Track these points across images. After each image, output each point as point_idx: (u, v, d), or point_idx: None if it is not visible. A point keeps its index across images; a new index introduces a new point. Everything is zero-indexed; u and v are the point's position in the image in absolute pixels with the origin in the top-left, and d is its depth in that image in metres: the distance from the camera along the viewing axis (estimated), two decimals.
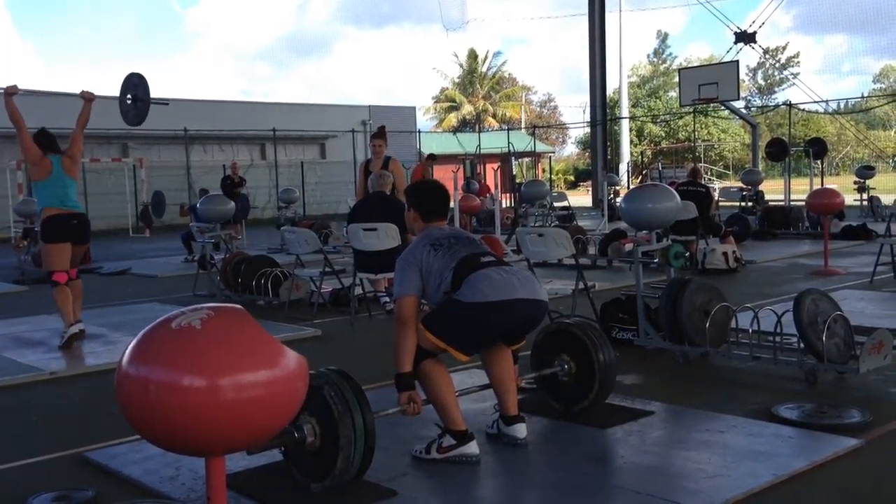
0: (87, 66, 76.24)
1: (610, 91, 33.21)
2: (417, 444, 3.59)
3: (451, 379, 3.56)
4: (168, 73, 75.20)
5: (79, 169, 6.65)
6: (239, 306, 2.10)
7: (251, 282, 8.02)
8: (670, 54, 49.92)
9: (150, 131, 23.75)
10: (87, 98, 6.71)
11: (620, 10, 32.78)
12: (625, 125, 35.98)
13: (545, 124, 48.57)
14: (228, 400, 1.85)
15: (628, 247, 9.07)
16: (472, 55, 47.43)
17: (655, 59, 49.64)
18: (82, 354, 6.24)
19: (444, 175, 18.29)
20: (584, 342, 4.04)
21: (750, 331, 4.83)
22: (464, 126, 45.01)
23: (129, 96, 7.02)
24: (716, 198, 10.83)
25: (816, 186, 14.77)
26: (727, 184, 28.45)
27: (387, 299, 7.52)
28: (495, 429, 3.78)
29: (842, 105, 37.19)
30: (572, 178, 45.12)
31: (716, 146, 43.95)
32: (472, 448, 3.47)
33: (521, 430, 3.69)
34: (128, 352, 1.97)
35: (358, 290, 7.47)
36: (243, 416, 1.89)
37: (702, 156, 37.97)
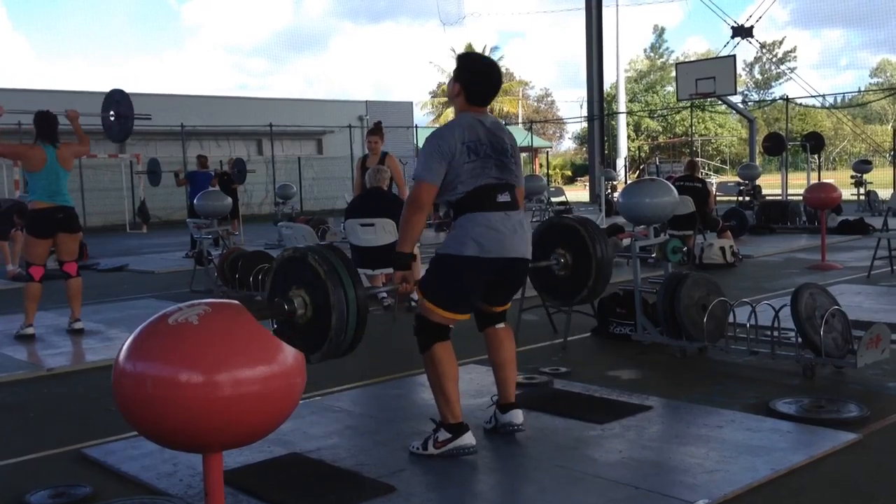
0: (81, 61, 76.09)
1: (607, 86, 33.19)
2: (415, 440, 3.58)
3: (457, 370, 3.54)
4: (164, 68, 75.08)
5: (75, 155, 6.61)
6: (236, 302, 2.09)
7: (248, 278, 8.01)
8: (667, 49, 50.02)
9: (146, 127, 23.73)
10: (72, 117, 6.71)
11: (617, 5, 32.79)
12: (622, 120, 35.98)
13: (542, 119, 48.54)
14: (226, 396, 1.85)
15: (626, 242, 9.08)
16: (470, 50, 47.40)
17: (652, 54, 49.68)
18: (80, 351, 6.23)
19: None
20: (579, 233, 4.06)
21: (748, 325, 4.84)
22: None
23: (111, 113, 7.02)
24: (713, 192, 10.83)
25: (814, 181, 14.79)
26: (724, 178, 28.48)
27: (384, 295, 7.52)
28: (492, 422, 3.78)
29: (839, 99, 37.24)
30: (570, 173, 45.14)
31: (713, 141, 43.99)
32: (469, 439, 3.47)
33: (518, 415, 3.68)
34: (125, 348, 1.96)
35: None
36: (241, 411, 1.88)
37: (699, 150, 37.98)
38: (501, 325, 3.74)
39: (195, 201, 9.28)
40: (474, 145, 3.40)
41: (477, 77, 3.52)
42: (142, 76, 75.53)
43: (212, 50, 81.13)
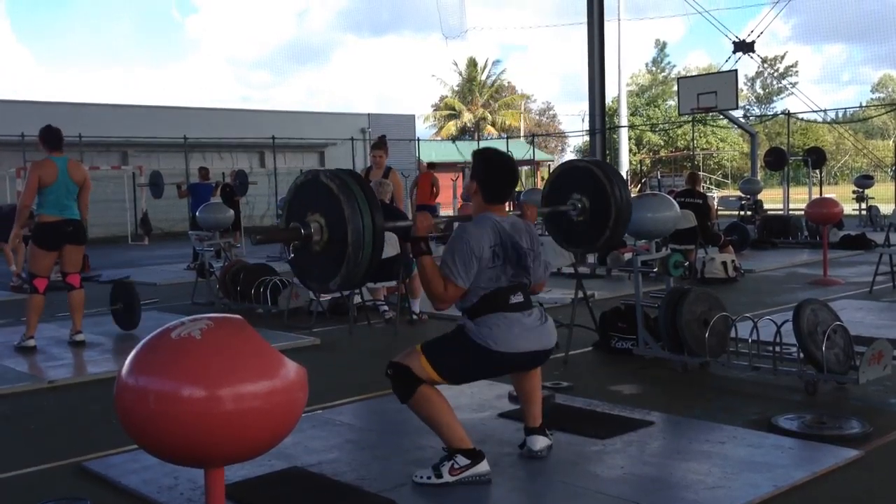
0: (85, 72, 76.35)
1: (609, 99, 33.25)
2: (417, 469, 3.45)
3: (446, 400, 3.42)
4: (168, 80, 75.32)
5: (86, 179, 6.57)
6: (239, 317, 2.09)
7: (250, 290, 8.02)
8: (669, 63, 50.12)
9: (149, 139, 23.82)
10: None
11: (619, 19, 32.84)
12: (624, 134, 36.03)
13: (544, 132, 48.63)
14: (228, 410, 1.85)
15: (628, 256, 9.08)
16: (472, 63, 47.53)
17: (654, 68, 49.79)
18: (81, 363, 6.23)
19: (443, 183, 18.29)
20: (596, 176, 4.01)
21: (749, 340, 4.83)
22: (463, 134, 45.06)
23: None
24: (714, 207, 10.83)
25: (815, 196, 14.81)
26: (726, 193, 28.49)
27: (385, 308, 7.52)
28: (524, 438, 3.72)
29: (840, 114, 37.26)
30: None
31: (714, 155, 44.03)
32: (485, 466, 3.37)
33: (537, 441, 3.64)
34: (127, 362, 1.97)
35: (357, 299, 7.46)
36: (243, 426, 1.88)
37: (700, 164, 38.02)
38: None
39: (197, 213, 9.30)
40: (499, 250, 3.40)
41: (494, 176, 3.52)
42: (145, 88, 75.74)
43: (215, 62, 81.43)
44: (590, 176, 4.12)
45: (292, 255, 3.24)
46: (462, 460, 3.34)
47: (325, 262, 3.13)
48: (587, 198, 4.09)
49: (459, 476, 3.33)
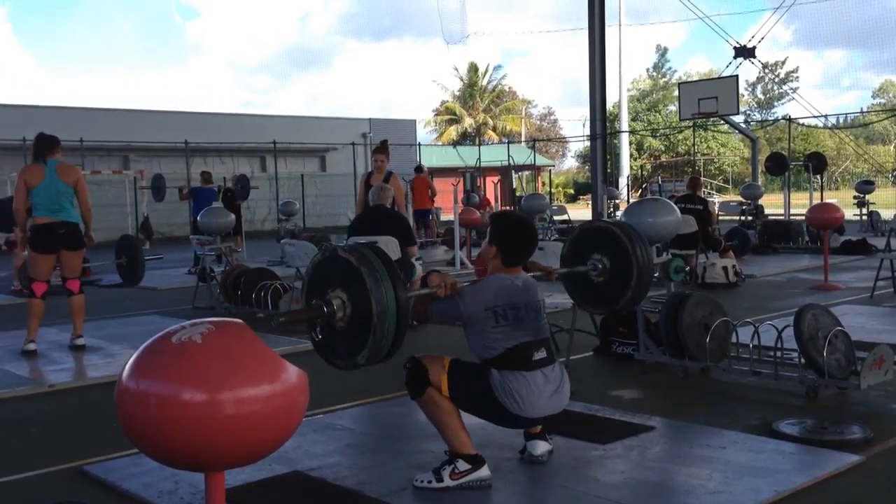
0: (87, 77, 76.49)
1: (610, 105, 33.28)
2: (418, 473, 3.46)
3: (453, 405, 3.42)
4: (169, 84, 75.44)
5: (78, 181, 6.54)
6: (240, 321, 2.09)
7: (251, 294, 8.01)
8: (670, 68, 50.17)
9: (150, 143, 23.85)
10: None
11: (620, 25, 32.95)
12: (624, 139, 36.07)
13: (545, 138, 48.68)
14: (229, 414, 1.84)
15: None
16: (473, 68, 47.61)
17: (655, 73, 49.84)
18: (82, 367, 6.23)
19: (444, 188, 18.31)
20: (617, 237, 4.02)
21: (750, 345, 4.83)
22: (464, 139, 45.11)
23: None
24: (715, 212, 10.82)
25: (816, 201, 14.80)
26: (727, 198, 28.48)
27: None
28: (524, 443, 3.73)
29: (841, 120, 37.32)
30: (572, 191, 45.18)
31: (715, 160, 44.05)
32: (486, 471, 3.38)
33: (538, 446, 3.64)
34: (128, 366, 1.97)
35: None
36: (244, 430, 1.88)
37: (701, 169, 38.04)
38: None
39: (198, 218, 9.30)
40: (503, 310, 3.39)
41: (514, 241, 3.54)
42: (147, 92, 75.93)
43: (217, 66, 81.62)
44: (609, 236, 4.11)
45: (321, 337, 3.21)
46: (463, 465, 3.34)
47: (349, 337, 3.12)
48: (607, 258, 4.08)
49: (460, 481, 3.33)
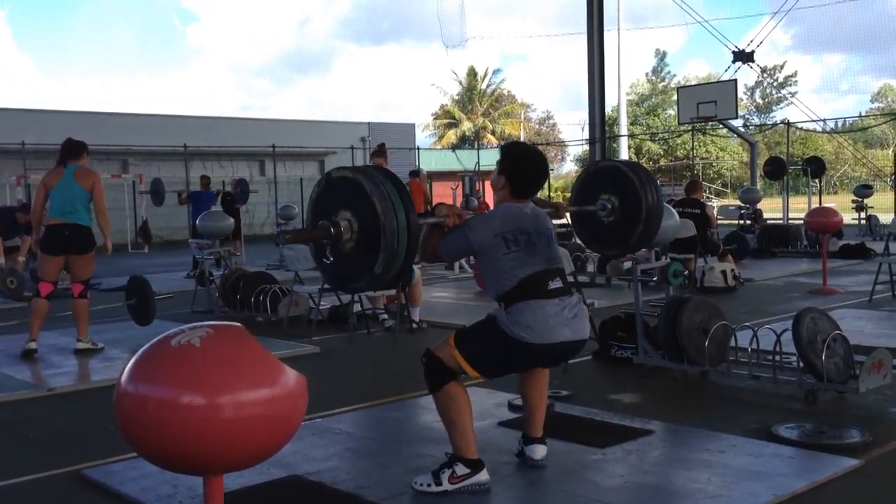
0: (86, 81, 76.47)
1: (608, 109, 33.32)
2: (417, 476, 3.41)
3: (471, 405, 3.40)
4: (169, 88, 75.45)
5: (94, 185, 6.63)
6: (238, 324, 2.09)
7: (250, 298, 8.02)
8: (669, 72, 50.22)
9: (149, 147, 23.85)
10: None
11: (619, 29, 32.91)
12: (623, 143, 36.05)
13: (544, 142, 48.71)
14: (228, 418, 1.85)
15: (627, 265, 9.08)
16: (472, 72, 47.65)
17: (654, 77, 49.89)
18: (80, 371, 6.22)
19: (443, 192, 18.30)
20: (628, 177, 3.97)
21: (749, 349, 4.83)
22: (463, 143, 45.13)
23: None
24: (714, 215, 10.84)
25: (814, 205, 14.83)
26: (726, 202, 28.52)
27: (385, 316, 7.52)
28: (519, 446, 3.71)
29: (840, 124, 37.31)
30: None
31: (714, 164, 44.08)
32: (485, 476, 3.34)
33: (538, 451, 3.61)
34: (127, 369, 1.97)
35: (356, 307, 7.46)
36: (242, 434, 1.88)
37: (700, 173, 38.02)
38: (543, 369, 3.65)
39: (197, 221, 9.30)
40: (512, 235, 3.34)
41: (523, 170, 3.48)
42: (147, 96, 75.92)
43: (216, 70, 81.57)
44: (619, 175, 4.06)
45: (331, 259, 3.09)
46: (461, 469, 3.32)
47: (353, 261, 3.03)
48: (616, 198, 4.03)
49: (459, 485, 3.31)
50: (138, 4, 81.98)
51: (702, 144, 40.98)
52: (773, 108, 49.17)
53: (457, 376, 3.35)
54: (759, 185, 22.89)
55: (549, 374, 3.69)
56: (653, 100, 47.99)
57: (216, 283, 8.75)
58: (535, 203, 3.63)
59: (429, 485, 3.33)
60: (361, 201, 2.98)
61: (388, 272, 2.99)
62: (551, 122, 57.65)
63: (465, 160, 31.82)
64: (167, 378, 1.87)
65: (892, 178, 24.46)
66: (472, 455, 3.34)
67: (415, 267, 7.48)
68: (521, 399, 3.75)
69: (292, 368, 2.06)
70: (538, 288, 3.32)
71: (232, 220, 9.35)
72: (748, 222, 15.90)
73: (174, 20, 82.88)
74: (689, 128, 25.62)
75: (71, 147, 6.68)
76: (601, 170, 4.34)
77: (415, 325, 7.43)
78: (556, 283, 3.36)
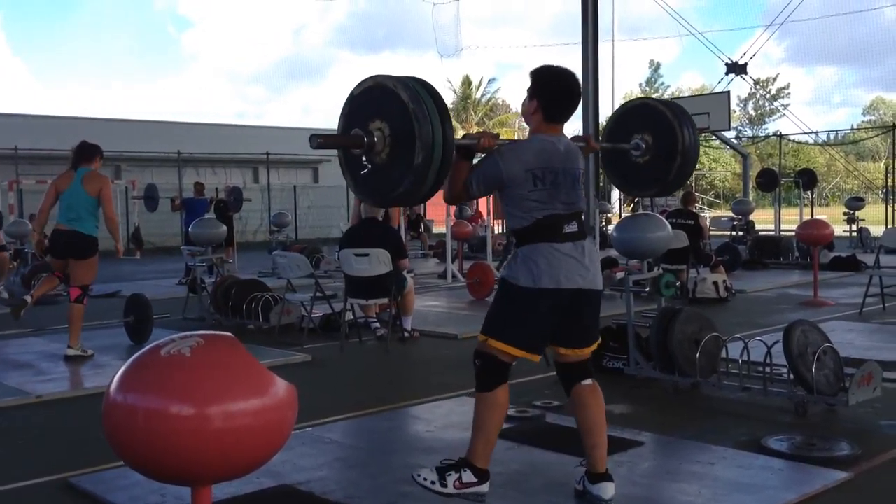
0: (80, 86, 76.39)
1: (603, 119, 33.42)
2: (422, 469, 3.31)
3: (504, 418, 3.31)
4: (164, 94, 75.37)
5: (101, 190, 6.62)
6: (229, 334, 2.09)
7: (241, 305, 8.00)
8: (662, 83, 50.47)
9: (142, 153, 23.81)
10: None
11: (614, 40, 33.13)
12: None
13: None
14: (217, 429, 1.84)
15: (620, 275, 9.09)
16: (467, 81, 47.75)
17: (648, 88, 50.07)
18: (69, 378, 6.19)
19: (436, 199, 18.31)
20: (665, 116, 3.87)
21: (740, 361, 4.84)
22: None
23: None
24: (706, 227, 10.88)
25: (806, 217, 14.88)
26: (718, 213, 28.58)
27: (377, 325, 7.51)
28: (581, 485, 3.40)
29: (832, 136, 37.50)
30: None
31: (707, 175, 44.22)
32: (485, 488, 3.27)
33: (608, 490, 3.29)
34: (116, 379, 1.96)
35: (349, 316, 7.45)
36: (232, 445, 1.87)
37: (693, 184, 38.14)
38: (587, 382, 3.37)
39: (190, 228, 9.29)
40: (542, 172, 3.21)
41: (557, 92, 3.29)
42: (141, 102, 75.82)
43: (211, 77, 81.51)
44: (656, 114, 3.95)
45: (368, 168, 2.95)
46: (469, 476, 3.23)
47: (384, 174, 2.92)
48: (653, 139, 3.93)
49: (462, 491, 3.23)
50: (133, 11, 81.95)
51: None
52: (766, 119, 49.43)
53: (505, 378, 3.25)
54: (751, 196, 22.97)
55: (601, 398, 3.42)
56: None
57: (208, 290, 8.73)
58: None
59: (433, 482, 3.23)
60: (398, 112, 2.85)
61: (420, 187, 2.88)
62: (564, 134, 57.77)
63: None
64: (156, 388, 1.86)
65: (884, 190, 24.58)
66: (484, 465, 3.27)
67: (407, 276, 7.48)
68: (579, 430, 3.43)
69: (283, 377, 2.06)
70: (552, 231, 3.21)
71: (225, 227, 9.33)
72: (740, 233, 15.95)
73: (168, 27, 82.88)
74: None
75: (83, 150, 6.70)
76: (632, 109, 4.19)
77: (407, 335, 7.42)
78: (571, 227, 3.25)
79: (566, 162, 3.28)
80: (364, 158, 3.00)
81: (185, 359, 1.89)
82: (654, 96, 48.91)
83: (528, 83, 3.35)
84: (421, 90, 2.89)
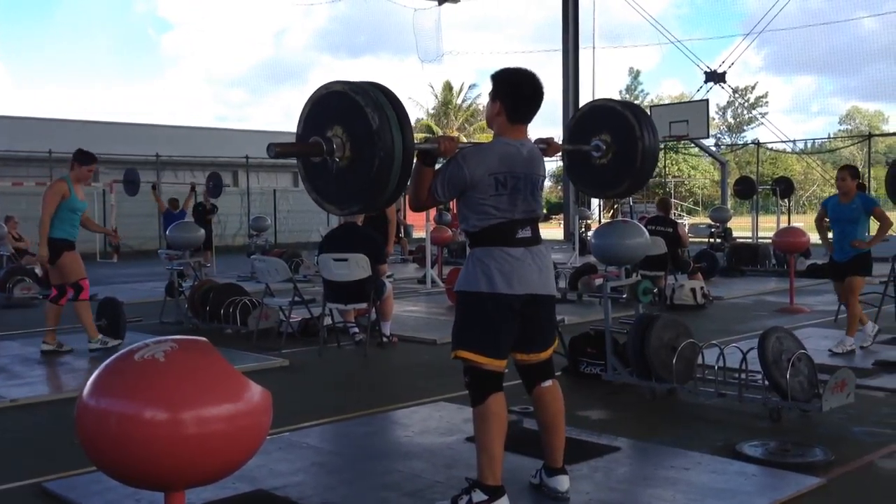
0: (60, 89, 75.72)
1: None
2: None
3: (505, 430, 3.26)
4: (144, 97, 74.89)
5: (44, 195, 6.88)
6: (204, 339, 2.08)
7: (219, 310, 7.96)
8: (642, 91, 50.74)
9: (120, 156, 23.63)
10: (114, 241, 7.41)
11: (594, 47, 33.23)
12: None
13: None
14: (190, 434, 1.83)
15: (598, 281, 9.14)
16: (448, 87, 47.81)
17: (628, 96, 50.34)
18: (44, 382, 6.13)
19: None
20: (625, 118, 3.88)
21: (716, 367, 4.87)
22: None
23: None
24: (685, 234, 10.97)
25: (783, 224, 15.01)
26: (697, 220, 28.78)
27: (356, 329, 7.49)
28: (538, 478, 3.51)
29: (809, 145, 37.91)
30: (545, 210, 45.38)
31: (686, 182, 44.51)
32: (504, 502, 3.20)
33: (563, 482, 3.41)
34: (89, 383, 1.95)
35: (327, 321, 7.43)
36: (205, 450, 1.87)
37: (672, 191, 38.40)
38: (548, 384, 3.42)
39: (167, 232, 9.24)
40: (504, 177, 3.22)
41: (519, 93, 3.29)
42: (120, 105, 75.27)
43: (191, 80, 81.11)
44: (614, 116, 3.96)
45: (328, 175, 2.94)
46: (479, 496, 3.19)
47: (344, 182, 2.90)
48: (614, 141, 3.94)
49: None
50: (113, 12, 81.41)
51: (674, 163, 41.37)
52: (745, 128, 49.87)
53: (497, 388, 3.23)
54: (729, 203, 23.15)
55: (561, 398, 3.46)
56: None
57: (185, 294, 8.67)
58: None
59: None
60: (357, 118, 2.84)
61: (381, 193, 2.88)
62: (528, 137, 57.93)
63: None
64: (130, 393, 1.85)
65: None
66: (494, 482, 3.20)
67: (386, 281, 7.47)
68: (537, 422, 3.51)
69: (260, 382, 2.05)
70: (505, 235, 3.23)
71: (203, 231, 9.28)
72: (718, 241, 16.07)
73: (148, 30, 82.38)
74: (662, 146, 25.89)
75: (73, 157, 6.99)
76: (596, 109, 4.17)
77: (385, 340, 7.41)
78: (525, 233, 3.28)
79: (528, 167, 3.31)
80: (323, 166, 3.00)
81: (158, 364, 1.88)
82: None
83: (489, 87, 3.35)
84: (380, 96, 2.89)
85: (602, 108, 4.14)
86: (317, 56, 79.36)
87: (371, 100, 2.85)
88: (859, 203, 6.74)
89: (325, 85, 3.04)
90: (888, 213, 7.16)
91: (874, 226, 7.50)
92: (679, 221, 13.48)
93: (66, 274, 6.87)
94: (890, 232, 6.98)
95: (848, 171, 6.90)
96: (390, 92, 2.96)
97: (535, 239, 3.33)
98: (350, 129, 2.89)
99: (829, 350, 6.54)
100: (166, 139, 24.85)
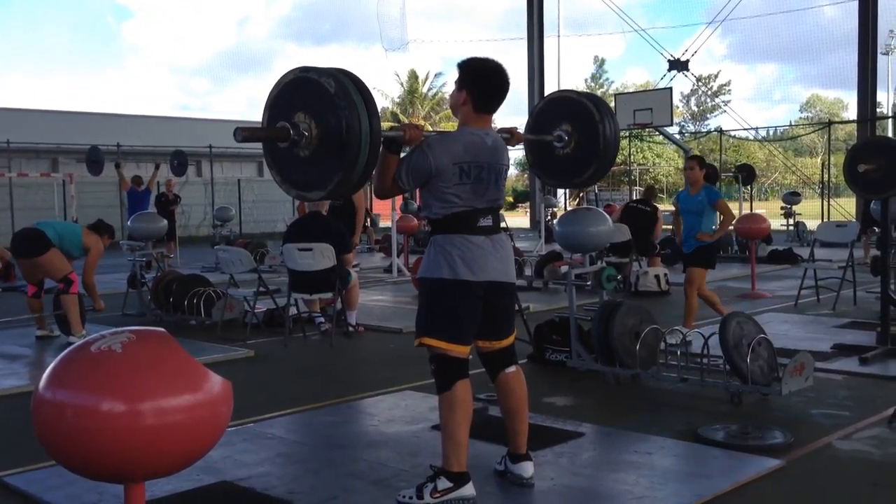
0: (17, 77, 74.17)
1: None
2: (404, 490, 3.29)
3: (471, 417, 3.28)
4: (105, 86, 73.74)
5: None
6: (162, 330, 2.06)
7: (183, 301, 7.88)
8: (608, 79, 51.02)
9: (80, 146, 23.27)
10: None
11: (559, 35, 33.33)
12: None
13: None
14: (149, 425, 1.82)
15: (564, 269, 9.20)
16: (413, 75, 47.67)
17: (593, 84, 50.59)
18: (3, 376, 6.03)
19: None
20: (587, 109, 3.91)
21: (678, 353, 4.93)
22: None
23: None
24: (661, 220, 11.15)
25: (745, 211, 15.20)
26: (661, 207, 29.00)
27: (321, 319, 7.47)
28: (503, 465, 3.55)
29: (771, 132, 38.39)
30: (511, 199, 45.53)
31: (651, 170, 44.88)
32: (469, 490, 3.22)
33: (527, 468, 3.45)
34: (45, 375, 1.92)
35: (293, 311, 7.40)
36: (164, 441, 1.85)
37: (637, 179, 38.71)
38: (512, 369, 3.46)
39: (129, 223, 9.12)
40: (468, 167, 3.24)
41: (486, 83, 3.30)
42: (82, 94, 74.07)
43: (153, 69, 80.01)
44: (576, 106, 3.99)
45: (294, 161, 2.93)
46: (443, 483, 3.20)
47: (311, 168, 2.90)
48: (576, 131, 3.98)
49: (441, 499, 3.19)
50: (70, 1, 79.93)
51: (639, 150, 41.71)
52: (708, 115, 50.37)
53: (464, 374, 3.26)
54: None
55: (524, 383, 3.49)
56: None
57: (148, 285, 8.58)
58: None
59: (411, 497, 3.23)
60: (324, 104, 2.83)
61: (348, 179, 2.87)
62: (493, 125, 57.97)
63: None
64: (86, 384, 1.83)
65: (820, 185, 25.25)
66: (459, 468, 3.22)
67: (351, 270, 7.45)
68: (502, 414, 3.55)
69: (225, 373, 2.04)
70: (467, 224, 3.26)
71: (165, 221, 9.17)
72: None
73: (107, 17, 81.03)
74: (626, 134, 26.06)
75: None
76: (554, 101, 4.21)
77: (351, 329, 7.40)
78: (486, 221, 3.31)
79: (492, 157, 3.33)
80: (290, 152, 2.99)
81: (115, 354, 1.86)
82: (598, 92, 49.53)
83: (456, 75, 3.37)
84: (346, 81, 2.88)
85: (560, 99, 4.18)
86: (281, 44, 78.75)
87: (339, 85, 2.84)
88: (704, 196, 6.96)
89: (291, 70, 3.03)
90: (847, 201, 7.27)
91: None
92: (657, 206, 13.63)
93: (52, 270, 6.95)
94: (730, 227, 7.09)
95: (696, 161, 7.07)
96: (357, 78, 2.95)
97: (496, 227, 3.37)
98: (316, 115, 2.88)
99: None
100: (127, 129, 24.50)
